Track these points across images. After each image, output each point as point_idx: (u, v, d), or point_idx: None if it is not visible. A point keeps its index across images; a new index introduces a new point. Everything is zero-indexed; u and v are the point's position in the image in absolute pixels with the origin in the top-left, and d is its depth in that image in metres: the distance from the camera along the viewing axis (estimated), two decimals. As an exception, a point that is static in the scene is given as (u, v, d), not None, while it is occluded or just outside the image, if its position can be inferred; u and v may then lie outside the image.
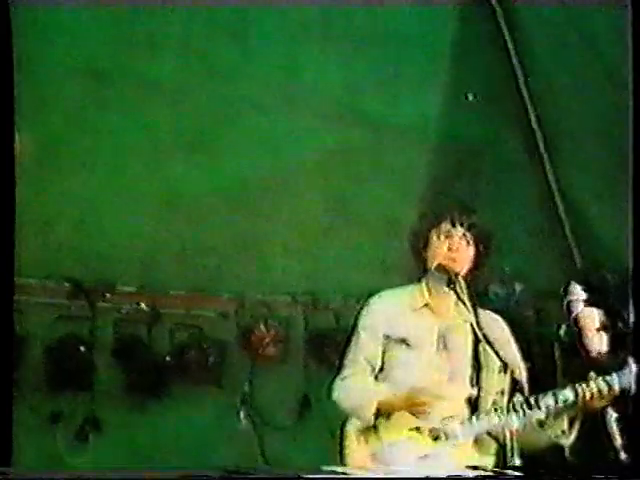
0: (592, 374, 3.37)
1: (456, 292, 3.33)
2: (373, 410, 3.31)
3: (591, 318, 5.38)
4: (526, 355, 3.67)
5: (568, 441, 3.39)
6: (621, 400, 3.30)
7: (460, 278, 3.36)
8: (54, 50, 5.04)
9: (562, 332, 5.45)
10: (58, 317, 5.69)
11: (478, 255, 3.47)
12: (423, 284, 3.52)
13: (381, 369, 3.43)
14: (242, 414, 4.98)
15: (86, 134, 5.37)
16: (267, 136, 5.46)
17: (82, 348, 5.61)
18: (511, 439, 3.24)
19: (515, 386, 3.40)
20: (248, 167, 5.54)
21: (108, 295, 5.79)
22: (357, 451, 3.36)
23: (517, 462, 3.35)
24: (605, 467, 3.04)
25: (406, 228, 5.61)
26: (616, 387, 3.31)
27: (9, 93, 3.12)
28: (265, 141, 5.48)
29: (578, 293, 5.31)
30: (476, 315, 3.28)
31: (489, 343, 3.28)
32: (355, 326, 3.52)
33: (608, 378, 3.33)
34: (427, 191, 5.57)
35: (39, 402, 5.20)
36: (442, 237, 3.46)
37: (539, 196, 5.48)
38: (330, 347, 5.85)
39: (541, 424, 3.35)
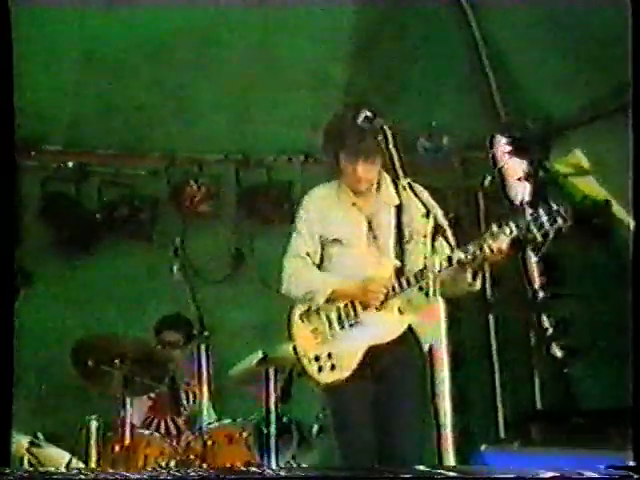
0: (492, 230, 3.45)
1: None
2: (326, 296, 3.61)
3: (514, 168, 5.56)
4: (453, 205, 3.82)
5: (476, 288, 3.61)
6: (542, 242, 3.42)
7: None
8: None
9: (487, 182, 5.64)
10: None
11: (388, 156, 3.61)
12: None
13: (321, 264, 3.72)
14: (175, 267, 5.04)
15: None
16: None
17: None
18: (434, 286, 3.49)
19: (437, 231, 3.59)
20: (169, 21, 5.38)
21: (33, 153, 5.70)
22: (301, 329, 3.66)
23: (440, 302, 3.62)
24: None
25: (334, 84, 5.69)
26: (503, 244, 3.43)
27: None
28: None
29: (502, 145, 5.46)
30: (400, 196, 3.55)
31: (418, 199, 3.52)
32: (294, 223, 3.79)
33: (495, 230, 3.43)
34: (353, 47, 5.53)
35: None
36: (350, 158, 3.65)
37: (464, 49, 5.46)
38: (262, 202, 5.94)
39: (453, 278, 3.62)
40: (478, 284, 3.56)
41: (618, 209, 5.13)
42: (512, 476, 3.41)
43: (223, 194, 5.93)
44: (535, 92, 5.39)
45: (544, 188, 5.01)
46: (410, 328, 3.57)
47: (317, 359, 3.57)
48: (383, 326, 3.56)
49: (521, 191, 5.18)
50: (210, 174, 5.94)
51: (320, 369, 3.56)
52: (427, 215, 3.56)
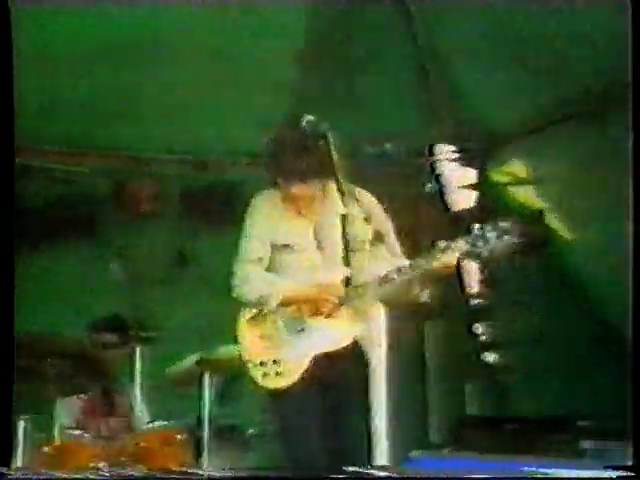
0: (441, 245, 3.50)
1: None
2: (278, 301, 3.63)
3: (455, 176, 5.64)
4: (396, 212, 3.87)
5: (423, 298, 3.72)
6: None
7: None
8: None
9: (427, 189, 5.70)
10: None
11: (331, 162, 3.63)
12: None
13: (272, 268, 3.73)
14: (115, 267, 5.03)
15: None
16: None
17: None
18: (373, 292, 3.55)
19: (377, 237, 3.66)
20: (122, 19, 5.36)
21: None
22: (248, 333, 3.67)
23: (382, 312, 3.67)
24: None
25: (284, 86, 5.70)
26: (452, 259, 3.47)
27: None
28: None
29: (443, 152, 5.53)
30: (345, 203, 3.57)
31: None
32: (243, 227, 3.77)
33: (444, 245, 3.47)
34: (304, 49, 5.56)
35: None
36: (285, 180, 3.66)
37: (410, 57, 5.51)
38: (207, 202, 5.94)
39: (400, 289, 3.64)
40: (425, 295, 3.62)
41: (552, 219, 5.23)
42: (443, 476, 3.47)
43: (167, 194, 5.93)
44: (479, 101, 5.46)
45: (484, 197, 5.08)
46: (356, 338, 3.59)
47: (262, 364, 3.58)
48: (330, 335, 3.58)
49: (462, 199, 5.26)
50: (155, 173, 5.94)
51: (265, 375, 3.58)
52: (368, 221, 3.61)
